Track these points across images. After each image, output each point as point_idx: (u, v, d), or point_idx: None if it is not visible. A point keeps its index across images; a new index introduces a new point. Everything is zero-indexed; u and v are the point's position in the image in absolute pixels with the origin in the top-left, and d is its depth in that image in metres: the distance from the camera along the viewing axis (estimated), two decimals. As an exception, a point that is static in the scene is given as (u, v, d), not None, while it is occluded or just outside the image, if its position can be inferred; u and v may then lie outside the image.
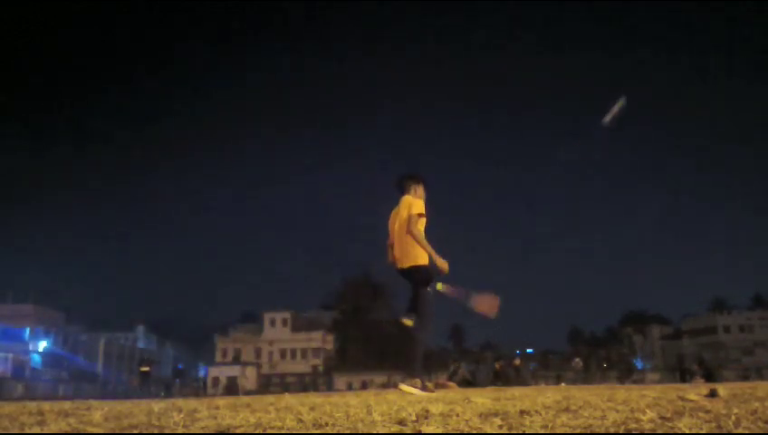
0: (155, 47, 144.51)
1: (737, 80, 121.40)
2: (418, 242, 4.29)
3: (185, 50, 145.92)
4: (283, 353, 58.60)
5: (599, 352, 63.60)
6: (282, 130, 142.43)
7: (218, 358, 58.93)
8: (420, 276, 4.32)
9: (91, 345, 51.88)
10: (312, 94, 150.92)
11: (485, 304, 4.71)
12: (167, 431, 1.63)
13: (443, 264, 4.32)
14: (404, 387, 3.97)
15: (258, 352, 58.88)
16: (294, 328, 59.66)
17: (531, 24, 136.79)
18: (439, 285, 4.51)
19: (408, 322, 4.34)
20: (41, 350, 44.62)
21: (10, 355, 39.11)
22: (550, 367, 55.10)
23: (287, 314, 59.98)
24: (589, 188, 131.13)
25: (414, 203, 4.41)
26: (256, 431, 1.58)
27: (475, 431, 1.48)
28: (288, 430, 1.61)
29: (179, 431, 1.62)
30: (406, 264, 4.37)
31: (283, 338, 58.81)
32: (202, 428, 1.65)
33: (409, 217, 4.31)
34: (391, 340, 60.28)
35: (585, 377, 29.24)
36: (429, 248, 4.30)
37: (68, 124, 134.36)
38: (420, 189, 4.65)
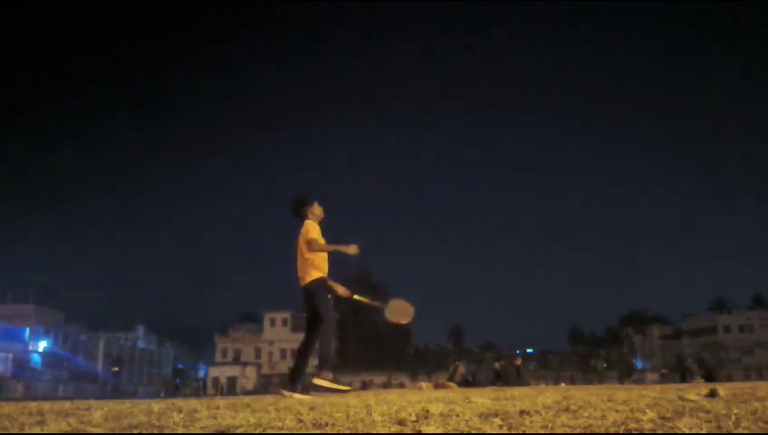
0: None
1: (740, 80, 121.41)
2: (323, 249, 4.65)
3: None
4: (283, 353, 58.53)
5: (599, 352, 63.59)
6: (280, 130, 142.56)
7: (218, 358, 58.94)
8: (319, 288, 4.63)
9: (91, 345, 51.89)
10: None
11: (398, 311, 5.02)
12: (167, 431, 1.63)
13: (350, 248, 4.61)
14: (317, 381, 4.33)
15: (258, 352, 58.88)
16: (294, 328, 59.59)
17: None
18: (356, 296, 4.96)
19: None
20: (41, 350, 44.64)
21: (10, 355, 39.13)
22: (549, 367, 55.11)
23: (287, 314, 59.94)
24: (589, 188, 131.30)
25: (307, 230, 4.71)
26: (256, 431, 1.58)
27: (474, 431, 1.48)
28: (288, 430, 1.61)
29: (179, 431, 1.62)
30: (305, 281, 4.68)
31: (283, 338, 58.77)
32: (202, 428, 1.65)
33: (307, 243, 4.62)
34: (390, 340, 60.41)
35: (586, 378, 29.31)
36: (333, 247, 4.65)
37: (69, 124, 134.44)
38: (315, 208, 4.88)
